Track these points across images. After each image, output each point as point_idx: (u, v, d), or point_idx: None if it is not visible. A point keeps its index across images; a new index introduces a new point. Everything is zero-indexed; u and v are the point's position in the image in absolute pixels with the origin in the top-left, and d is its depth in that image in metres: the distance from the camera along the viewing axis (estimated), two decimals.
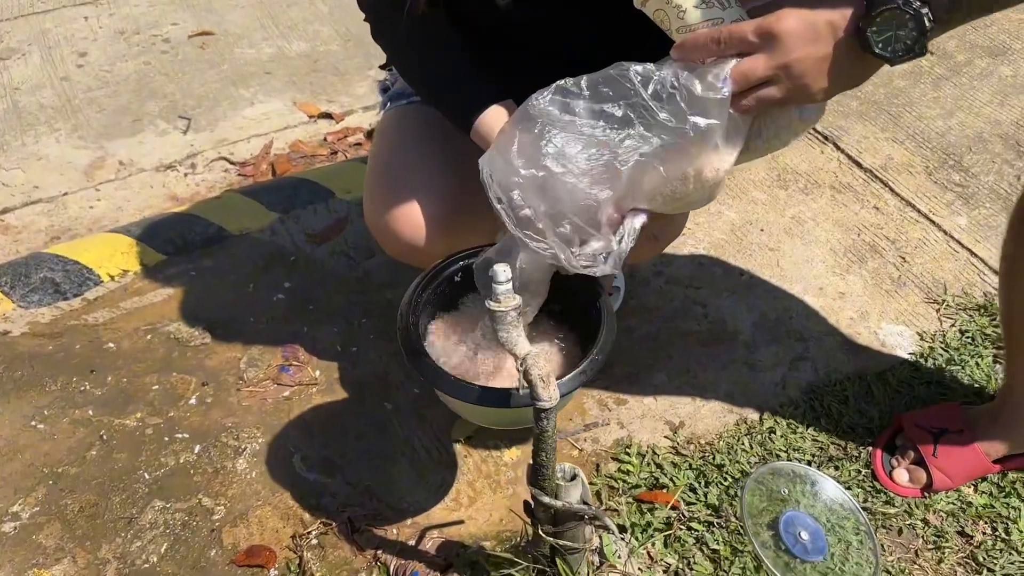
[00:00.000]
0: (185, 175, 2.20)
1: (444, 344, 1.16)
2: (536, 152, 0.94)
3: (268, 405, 1.59)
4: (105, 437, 1.53)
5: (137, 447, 1.52)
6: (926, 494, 1.41)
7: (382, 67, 1.53)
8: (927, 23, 0.85)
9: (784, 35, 0.88)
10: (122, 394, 1.60)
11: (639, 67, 0.91)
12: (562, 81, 0.96)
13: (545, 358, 0.94)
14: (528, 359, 0.93)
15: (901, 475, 1.43)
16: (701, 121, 0.91)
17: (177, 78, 2.53)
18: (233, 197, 2.05)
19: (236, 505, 1.43)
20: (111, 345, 1.69)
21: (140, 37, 2.70)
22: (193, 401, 1.60)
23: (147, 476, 1.47)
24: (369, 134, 2.36)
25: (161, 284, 1.82)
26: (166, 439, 1.53)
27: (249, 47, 2.66)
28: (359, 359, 1.67)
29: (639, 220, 0.98)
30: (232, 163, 2.25)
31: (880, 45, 0.87)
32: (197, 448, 1.52)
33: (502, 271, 0.95)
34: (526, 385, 0.95)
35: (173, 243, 1.91)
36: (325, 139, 2.35)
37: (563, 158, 0.93)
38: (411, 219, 1.27)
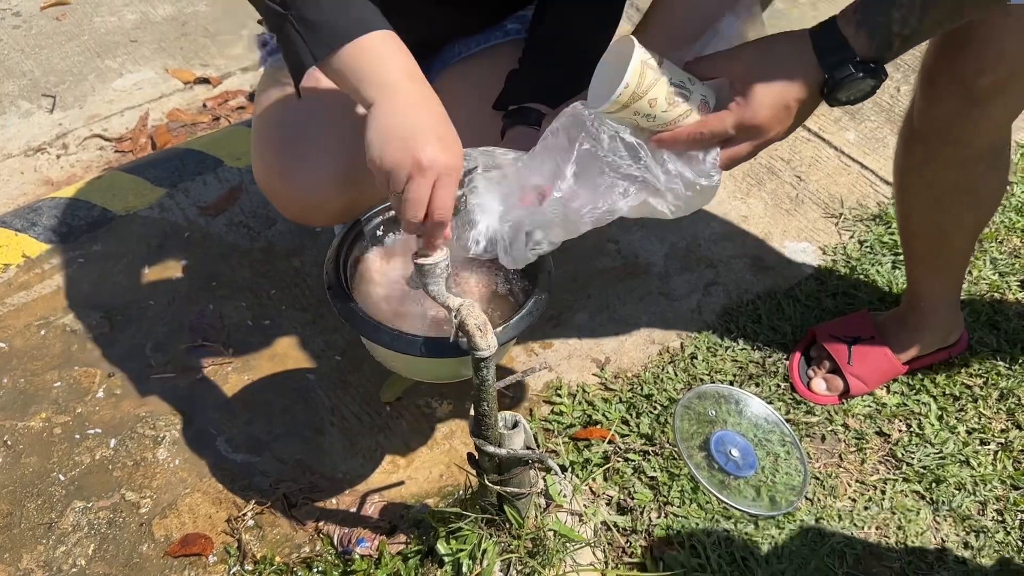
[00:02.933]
0: (58, 157, 2.06)
1: (371, 292, 1.13)
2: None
3: (182, 389, 1.52)
4: (10, 442, 1.44)
5: (47, 448, 1.43)
6: (843, 400, 1.48)
7: (260, 22, 1.46)
8: (883, 76, 0.92)
9: (763, 124, 0.94)
10: (21, 395, 1.50)
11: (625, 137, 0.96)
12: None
13: (479, 307, 0.92)
14: (463, 310, 0.92)
15: (819, 385, 1.49)
16: (696, 200, 0.99)
17: (34, 54, 2.35)
18: (115, 175, 1.92)
19: (163, 496, 1.37)
20: (2, 345, 1.58)
21: None
22: (101, 394, 1.51)
23: (62, 477, 1.39)
24: (252, 96, 2.26)
25: (48, 275, 1.71)
26: (77, 436, 1.45)
27: (110, 15, 2.49)
28: (273, 332, 1.61)
29: None
30: (107, 139, 2.12)
31: (843, 99, 0.94)
32: (112, 442, 1.44)
33: None
34: (462, 336, 0.93)
35: (56, 231, 1.79)
36: (205, 105, 2.23)
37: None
38: (307, 176, 1.20)
